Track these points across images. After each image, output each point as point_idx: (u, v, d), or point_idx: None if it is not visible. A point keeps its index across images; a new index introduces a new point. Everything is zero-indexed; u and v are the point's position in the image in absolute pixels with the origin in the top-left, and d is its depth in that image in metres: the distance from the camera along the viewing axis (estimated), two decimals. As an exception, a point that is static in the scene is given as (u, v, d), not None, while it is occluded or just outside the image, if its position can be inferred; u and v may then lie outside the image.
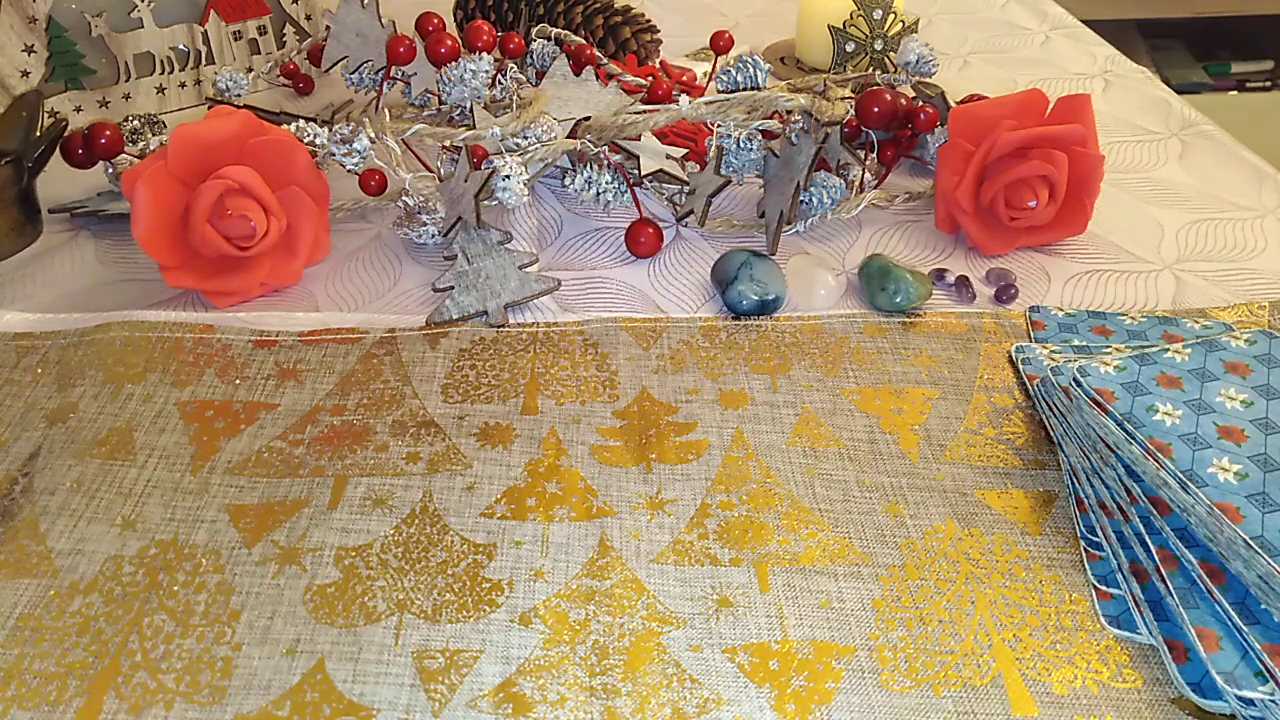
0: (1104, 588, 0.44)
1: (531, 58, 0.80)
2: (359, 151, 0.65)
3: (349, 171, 0.65)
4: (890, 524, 0.47)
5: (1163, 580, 0.42)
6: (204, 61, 0.86)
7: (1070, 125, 0.64)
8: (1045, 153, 0.63)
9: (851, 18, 0.84)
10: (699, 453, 0.51)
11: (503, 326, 0.59)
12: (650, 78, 0.78)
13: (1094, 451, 0.47)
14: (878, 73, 0.84)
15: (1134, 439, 0.44)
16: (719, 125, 0.69)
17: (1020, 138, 0.63)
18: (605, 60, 0.79)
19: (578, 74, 0.73)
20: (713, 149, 0.68)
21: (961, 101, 0.78)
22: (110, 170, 0.68)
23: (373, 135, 0.65)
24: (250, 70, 0.88)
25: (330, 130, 0.65)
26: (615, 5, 0.87)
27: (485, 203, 0.60)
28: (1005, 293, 0.62)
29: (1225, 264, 0.66)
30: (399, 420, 0.52)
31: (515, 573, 0.44)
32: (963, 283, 0.62)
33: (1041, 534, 0.46)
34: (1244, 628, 0.39)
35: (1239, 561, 0.40)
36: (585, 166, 0.68)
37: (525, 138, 0.67)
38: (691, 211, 0.67)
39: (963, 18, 1.10)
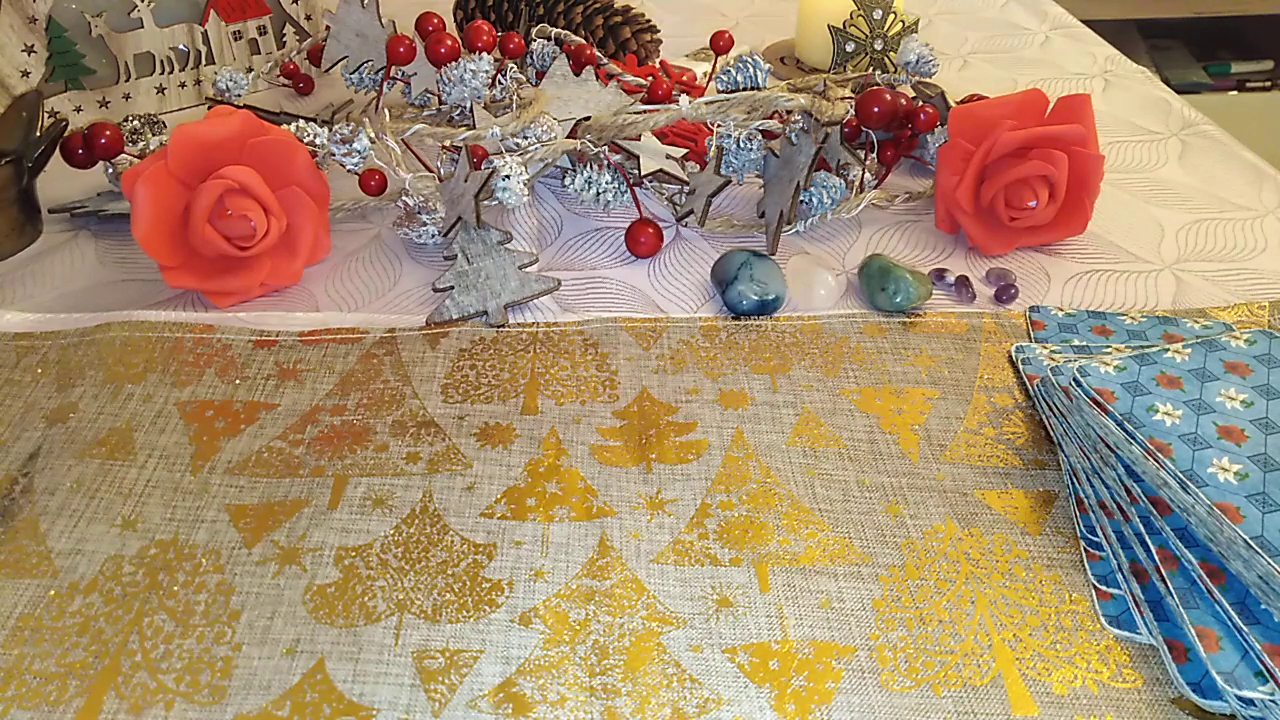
0: (1104, 588, 0.44)
1: (531, 58, 0.80)
2: (359, 151, 0.65)
3: (349, 171, 0.65)
4: (890, 524, 0.47)
5: (1163, 580, 0.42)
6: (204, 61, 0.86)
7: (1070, 125, 0.64)
8: (1045, 153, 0.63)
9: (851, 18, 0.84)
10: (699, 453, 0.51)
11: (503, 326, 0.59)
12: (650, 78, 0.78)
13: (1094, 451, 0.47)
14: (878, 73, 0.84)
15: (1134, 439, 0.44)
16: (719, 125, 0.69)
17: (1020, 138, 0.63)
18: (605, 60, 0.79)
19: (578, 74, 0.73)
20: (713, 149, 0.68)
21: (961, 101, 0.78)
22: (110, 170, 0.68)
23: (373, 135, 0.65)
24: (250, 70, 0.88)
25: (330, 130, 0.65)
26: (615, 5, 0.87)
27: (485, 203, 0.60)
28: (1005, 293, 0.62)
29: (1225, 264, 0.66)
30: (399, 420, 0.52)
31: (515, 573, 0.44)
32: (963, 283, 0.62)
33: (1041, 534, 0.46)
34: (1244, 628, 0.39)
35: (1239, 561, 0.40)
36: (585, 166, 0.68)
37: (525, 138, 0.67)
38: (691, 211, 0.67)
39: (963, 18, 1.10)
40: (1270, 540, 0.39)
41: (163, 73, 0.84)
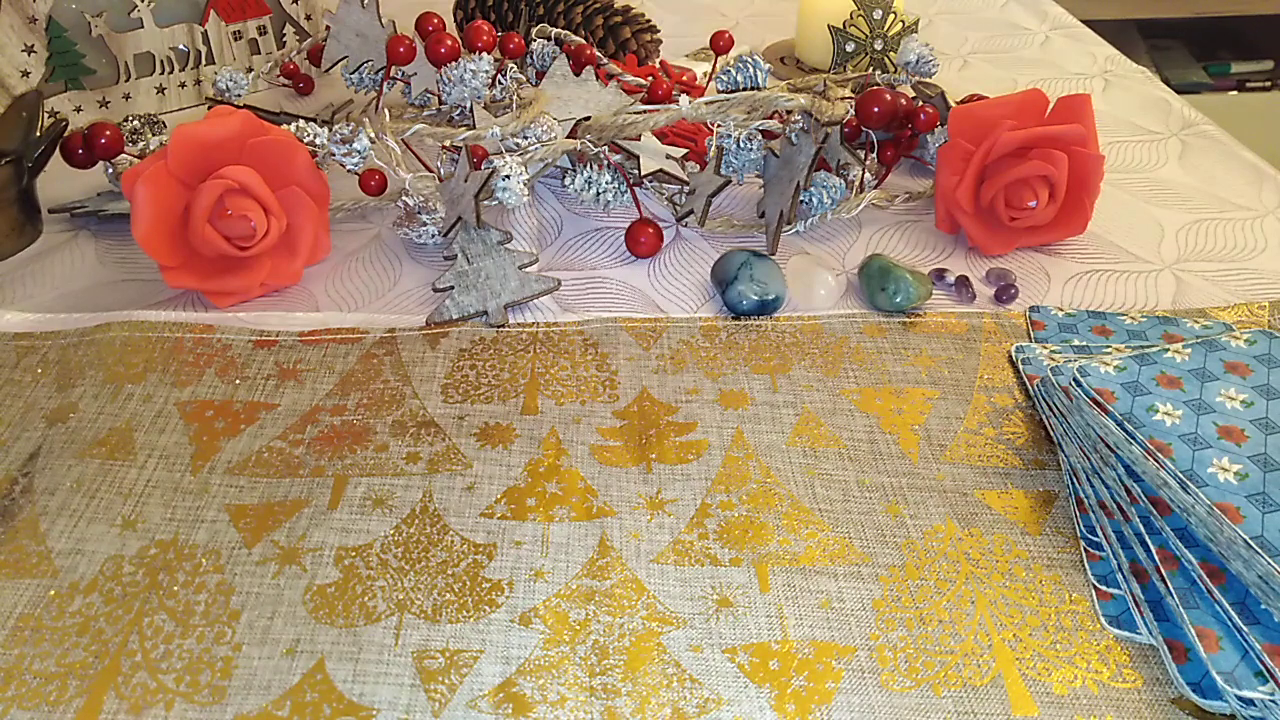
0: (1104, 588, 0.44)
1: (531, 58, 0.80)
2: (359, 151, 0.65)
3: (349, 171, 0.65)
4: (890, 524, 0.47)
5: (1163, 580, 0.42)
6: (204, 61, 0.86)
7: (1070, 125, 0.64)
8: (1045, 153, 0.63)
9: (851, 18, 0.84)
10: (699, 453, 0.51)
11: (503, 326, 0.59)
12: (650, 78, 0.78)
13: (1094, 451, 0.47)
14: (878, 73, 0.84)
15: (1134, 439, 0.44)
16: (719, 125, 0.69)
17: (1020, 138, 0.63)
18: (605, 60, 0.79)
19: (578, 74, 0.73)
20: (713, 149, 0.68)
21: (961, 101, 0.78)
22: (110, 170, 0.68)
23: (373, 135, 0.65)
24: (250, 70, 0.88)
25: (330, 130, 0.65)
26: (615, 5, 0.87)
27: (485, 203, 0.60)
28: (1005, 293, 0.62)
29: (1225, 264, 0.66)
30: (399, 420, 0.52)
31: (515, 573, 0.44)
32: (963, 283, 0.62)
33: (1041, 534, 0.46)
34: (1244, 628, 0.39)
35: (1239, 561, 0.40)
36: (585, 166, 0.68)
37: (525, 138, 0.67)
38: (691, 211, 0.67)
39: (963, 18, 1.10)
40: (1270, 540, 0.39)
41: (163, 73, 0.84)
